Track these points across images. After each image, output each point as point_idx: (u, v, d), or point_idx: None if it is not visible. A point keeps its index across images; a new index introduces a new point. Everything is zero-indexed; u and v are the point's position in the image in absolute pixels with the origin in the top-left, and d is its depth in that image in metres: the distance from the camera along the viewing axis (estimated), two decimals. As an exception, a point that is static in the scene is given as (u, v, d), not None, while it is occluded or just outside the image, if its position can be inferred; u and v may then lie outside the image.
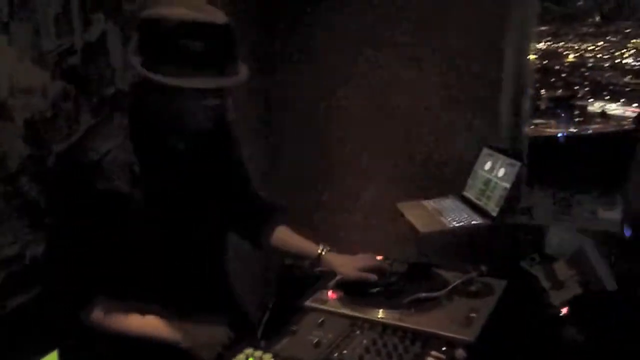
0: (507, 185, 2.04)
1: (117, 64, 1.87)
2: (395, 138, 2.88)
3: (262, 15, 2.95)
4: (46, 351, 1.63)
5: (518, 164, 2.04)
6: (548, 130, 3.99)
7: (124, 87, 1.89)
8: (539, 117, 3.90)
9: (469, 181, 2.34)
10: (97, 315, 1.36)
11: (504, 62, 2.69)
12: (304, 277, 2.85)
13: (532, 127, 3.31)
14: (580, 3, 3.88)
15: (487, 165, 2.24)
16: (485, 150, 2.31)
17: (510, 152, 2.23)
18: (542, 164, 3.29)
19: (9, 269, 1.52)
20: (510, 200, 2.88)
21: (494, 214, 2.05)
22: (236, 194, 1.63)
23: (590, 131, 4.05)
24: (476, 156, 2.36)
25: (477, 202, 2.19)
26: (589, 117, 4.09)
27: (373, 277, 1.68)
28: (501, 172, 2.12)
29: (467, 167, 2.42)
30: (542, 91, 3.99)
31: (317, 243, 1.74)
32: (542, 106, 4.03)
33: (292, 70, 3.05)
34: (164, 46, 1.23)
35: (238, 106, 1.47)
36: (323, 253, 1.72)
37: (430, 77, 2.78)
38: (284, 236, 1.75)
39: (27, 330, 1.60)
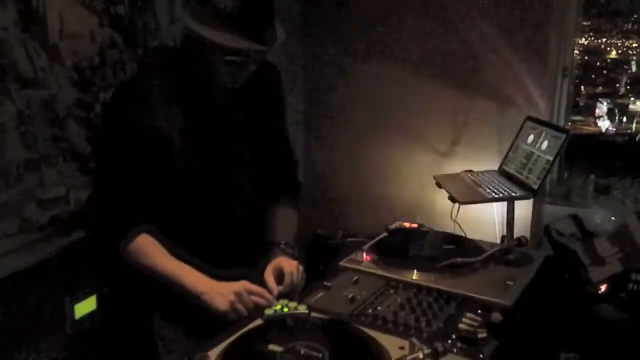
0: (550, 157, 1.98)
1: (162, 19, 1.88)
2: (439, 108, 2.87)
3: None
4: (86, 295, 1.70)
5: (563, 135, 1.97)
6: (586, 128, 3.90)
7: (169, 42, 1.90)
8: (577, 114, 3.81)
9: (510, 154, 2.28)
10: (133, 247, 1.36)
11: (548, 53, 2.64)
12: (335, 247, 2.87)
13: (570, 124, 3.24)
14: None
15: (530, 139, 2.18)
16: (529, 123, 2.26)
17: (556, 125, 2.16)
18: (581, 158, 3.24)
19: (56, 209, 1.56)
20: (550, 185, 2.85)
21: (535, 186, 1.99)
22: (269, 162, 1.58)
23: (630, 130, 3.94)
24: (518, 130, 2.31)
25: (518, 175, 2.14)
26: (630, 116, 3.98)
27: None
28: (544, 144, 2.06)
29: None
30: (582, 87, 3.89)
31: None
32: (582, 103, 3.93)
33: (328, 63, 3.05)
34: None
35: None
36: (280, 245, 1.57)
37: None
38: (276, 214, 1.64)
39: (70, 272, 1.65)
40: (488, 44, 2.70)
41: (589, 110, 3.96)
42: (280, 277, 1.46)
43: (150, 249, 1.37)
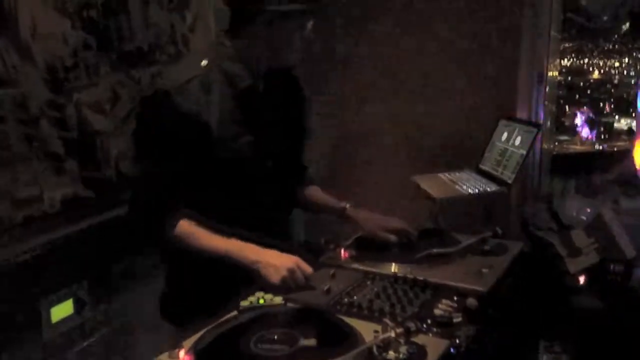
0: (524, 152, 2.02)
1: (136, 23, 1.91)
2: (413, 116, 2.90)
3: None
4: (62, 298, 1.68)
5: (535, 130, 2.01)
6: (572, 147, 3.95)
7: (144, 45, 1.93)
8: (563, 134, 3.87)
9: (486, 154, 2.32)
10: (182, 229, 1.43)
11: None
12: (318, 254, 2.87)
13: (556, 144, 3.29)
14: (605, 18, 3.82)
15: (504, 136, 2.23)
16: (503, 122, 2.30)
17: (528, 121, 2.20)
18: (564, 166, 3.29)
19: (30, 209, 1.56)
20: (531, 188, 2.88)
21: (510, 181, 2.03)
22: (291, 146, 1.70)
23: (615, 149, 3.99)
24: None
25: (493, 172, 2.18)
26: (615, 134, 4.04)
27: (394, 238, 1.68)
28: (518, 140, 2.10)
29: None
30: (567, 108, 3.96)
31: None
32: (567, 123, 4.00)
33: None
34: None
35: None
36: (348, 207, 1.74)
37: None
38: (313, 193, 1.79)
39: (44, 275, 1.63)
40: (459, 49, 2.77)
41: (575, 130, 4.03)
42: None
43: (195, 231, 1.44)
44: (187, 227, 1.44)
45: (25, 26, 1.52)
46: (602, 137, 4.06)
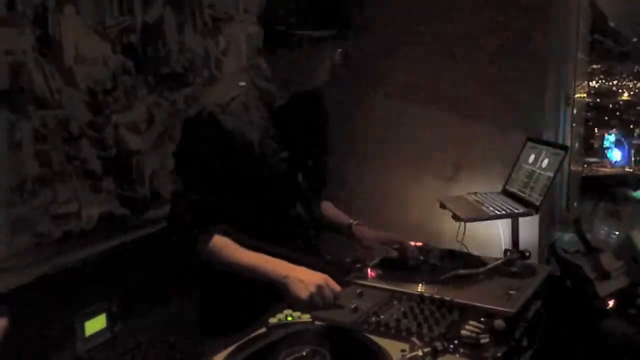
0: (551, 174, 2.01)
1: (172, 48, 1.99)
2: (440, 137, 2.92)
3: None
4: (96, 312, 1.72)
5: (562, 152, 2.01)
6: (602, 169, 3.89)
7: (179, 69, 2.00)
8: (592, 156, 3.82)
9: (512, 175, 2.32)
10: (214, 245, 1.45)
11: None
12: (344, 272, 2.88)
13: (585, 166, 3.24)
14: (635, 40, 3.78)
15: (531, 158, 2.23)
16: (530, 144, 2.30)
17: (555, 143, 2.20)
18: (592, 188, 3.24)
19: (68, 225, 1.62)
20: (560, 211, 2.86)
21: (537, 203, 2.02)
22: (316, 162, 1.70)
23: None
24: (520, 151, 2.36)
25: (521, 194, 2.17)
26: None
27: (394, 253, 1.72)
28: (545, 162, 2.10)
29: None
30: (595, 130, 3.92)
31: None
32: (595, 145, 3.94)
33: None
34: None
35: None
36: (354, 224, 1.76)
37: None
38: (326, 208, 1.80)
39: (79, 289, 1.68)
40: (488, 72, 2.78)
41: (604, 152, 3.98)
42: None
43: (227, 245, 1.46)
44: (219, 241, 1.47)
45: (69, 51, 1.61)
46: (632, 159, 4.00)
